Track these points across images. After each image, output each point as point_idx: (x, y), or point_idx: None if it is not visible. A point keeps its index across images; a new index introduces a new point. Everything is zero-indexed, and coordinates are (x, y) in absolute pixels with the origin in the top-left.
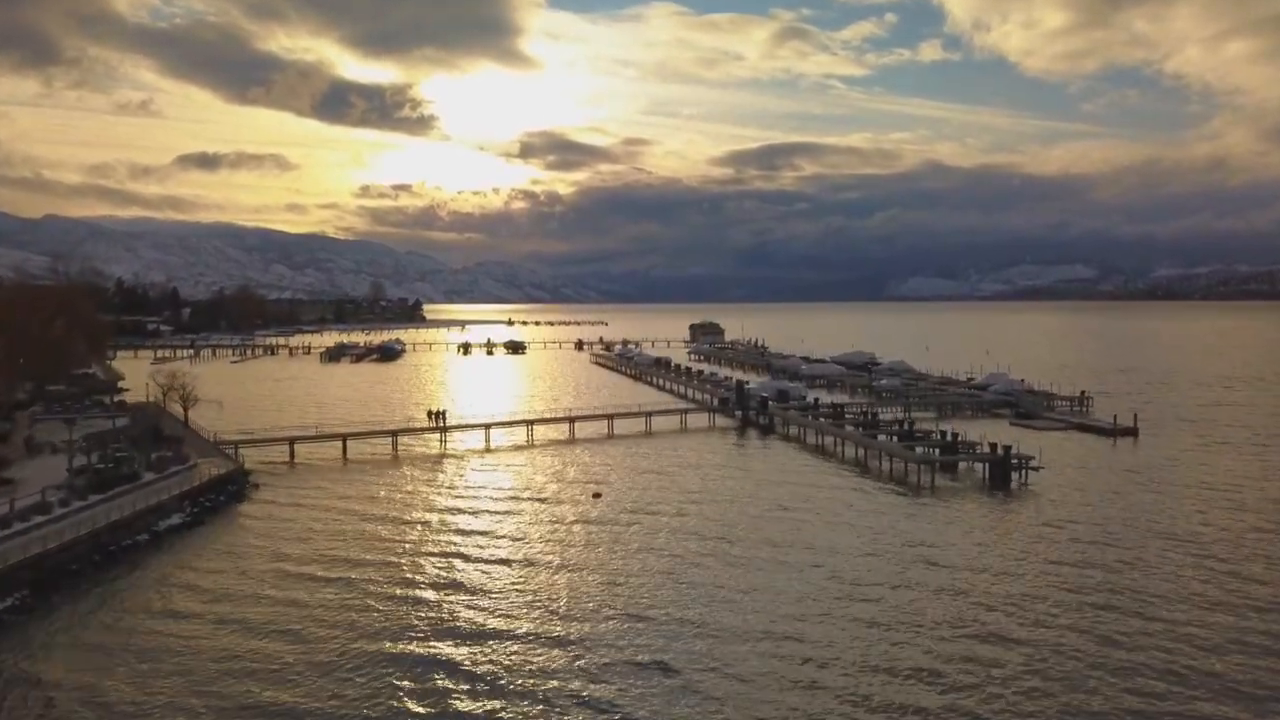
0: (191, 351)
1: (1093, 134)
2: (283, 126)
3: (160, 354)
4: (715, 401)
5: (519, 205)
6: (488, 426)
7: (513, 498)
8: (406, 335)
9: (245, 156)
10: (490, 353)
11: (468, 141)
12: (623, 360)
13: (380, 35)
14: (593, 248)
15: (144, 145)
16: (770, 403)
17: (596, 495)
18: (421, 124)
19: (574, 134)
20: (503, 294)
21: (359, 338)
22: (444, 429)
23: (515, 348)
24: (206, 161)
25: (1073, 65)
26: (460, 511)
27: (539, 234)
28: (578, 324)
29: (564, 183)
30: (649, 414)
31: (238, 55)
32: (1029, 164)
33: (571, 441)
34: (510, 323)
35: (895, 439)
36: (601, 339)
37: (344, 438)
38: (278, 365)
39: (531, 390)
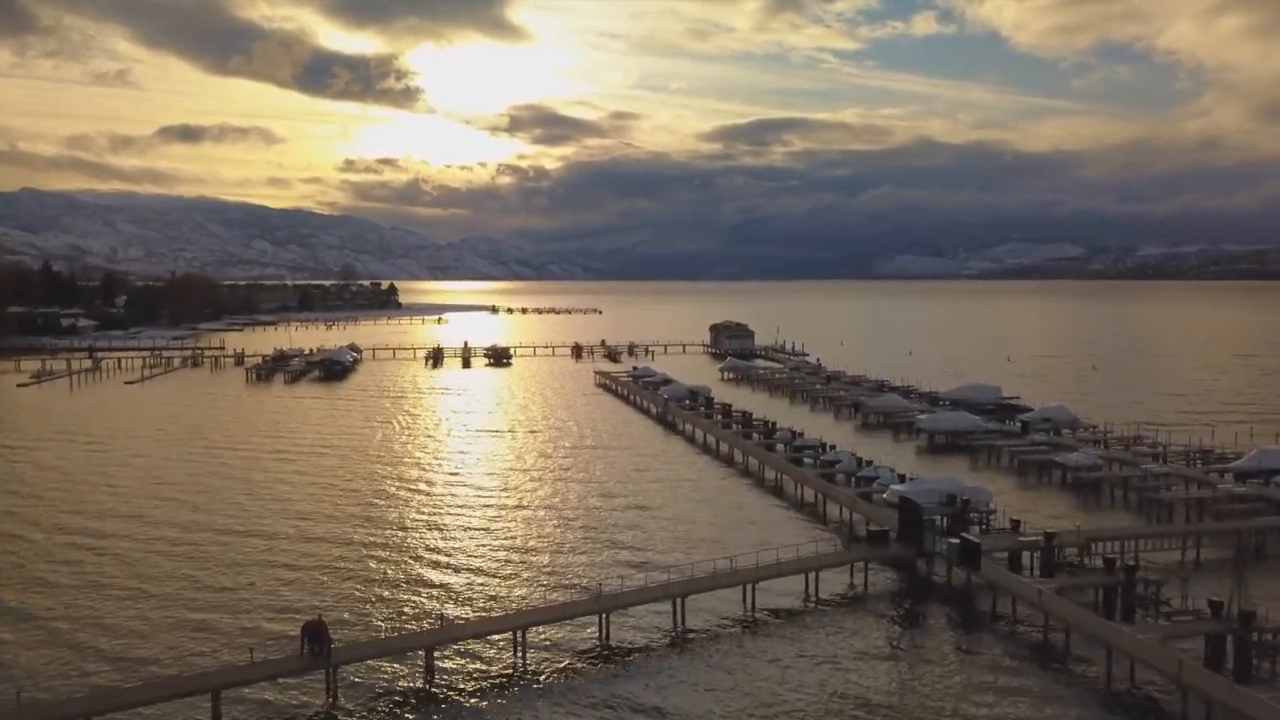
0: (89, 363)
1: (1084, 111)
2: (264, 98)
3: (47, 364)
4: (854, 514)
5: (505, 180)
6: (429, 650)
7: None
8: (375, 329)
9: (229, 129)
10: (467, 364)
11: (454, 115)
12: (640, 388)
13: (363, 3)
14: (579, 224)
15: (123, 117)
16: (971, 543)
17: None
18: (406, 96)
19: (561, 108)
20: (488, 270)
21: (312, 337)
22: (329, 664)
23: (498, 357)
24: (189, 134)
25: (1065, 40)
26: None
27: (525, 209)
28: (569, 312)
29: (550, 157)
30: (751, 583)
31: (216, 24)
32: (1020, 140)
33: (604, 655)
34: (495, 310)
35: None
36: (604, 342)
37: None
38: (189, 386)
39: (516, 457)
